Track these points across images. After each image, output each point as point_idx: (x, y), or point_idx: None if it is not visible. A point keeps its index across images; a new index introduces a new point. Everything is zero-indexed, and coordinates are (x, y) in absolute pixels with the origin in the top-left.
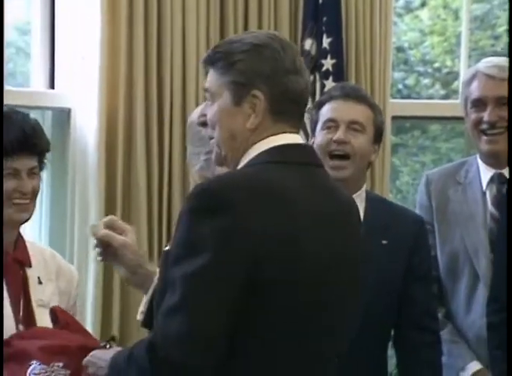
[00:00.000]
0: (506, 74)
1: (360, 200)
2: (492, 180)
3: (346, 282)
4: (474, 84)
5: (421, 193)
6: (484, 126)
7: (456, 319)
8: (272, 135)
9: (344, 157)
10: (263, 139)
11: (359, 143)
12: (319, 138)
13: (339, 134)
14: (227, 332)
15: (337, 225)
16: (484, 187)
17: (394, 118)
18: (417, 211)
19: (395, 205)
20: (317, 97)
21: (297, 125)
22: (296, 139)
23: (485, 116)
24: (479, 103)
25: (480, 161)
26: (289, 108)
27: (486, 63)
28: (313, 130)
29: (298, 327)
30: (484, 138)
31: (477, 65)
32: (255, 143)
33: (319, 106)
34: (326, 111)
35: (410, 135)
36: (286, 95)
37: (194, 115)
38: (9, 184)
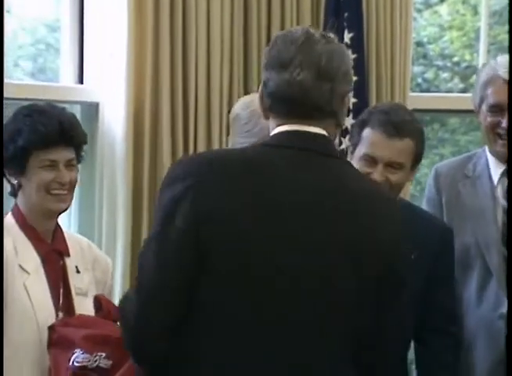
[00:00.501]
0: None
1: None
2: (503, 175)
3: (298, 265)
4: (492, 89)
5: (430, 187)
6: (501, 131)
7: (467, 311)
8: (278, 126)
9: None
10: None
11: (397, 179)
12: (357, 167)
13: (376, 175)
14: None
15: (308, 209)
16: (495, 181)
17: (414, 111)
18: (425, 205)
19: (423, 213)
20: None
21: (289, 117)
22: (292, 127)
23: (503, 122)
24: (497, 109)
25: (489, 155)
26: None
27: (505, 68)
28: (353, 147)
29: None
30: (500, 141)
31: (496, 67)
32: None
33: (361, 126)
34: (366, 141)
35: (430, 128)
36: (264, 92)
37: (239, 107)
38: (47, 175)
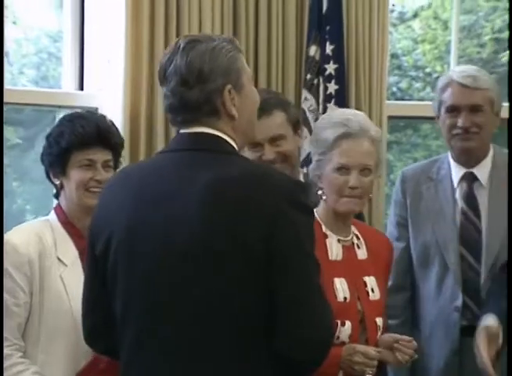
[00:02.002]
0: (478, 84)
1: None
2: (463, 178)
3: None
4: (449, 92)
5: (397, 190)
6: (458, 131)
7: (427, 302)
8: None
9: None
10: None
11: (284, 150)
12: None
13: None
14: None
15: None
16: (456, 184)
17: (389, 118)
18: (392, 207)
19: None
20: (320, 99)
21: (180, 121)
22: (184, 129)
23: (459, 122)
24: (453, 110)
25: (451, 160)
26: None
27: (460, 73)
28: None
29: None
30: (458, 142)
31: (451, 73)
32: None
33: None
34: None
35: (403, 134)
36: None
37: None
38: (86, 174)
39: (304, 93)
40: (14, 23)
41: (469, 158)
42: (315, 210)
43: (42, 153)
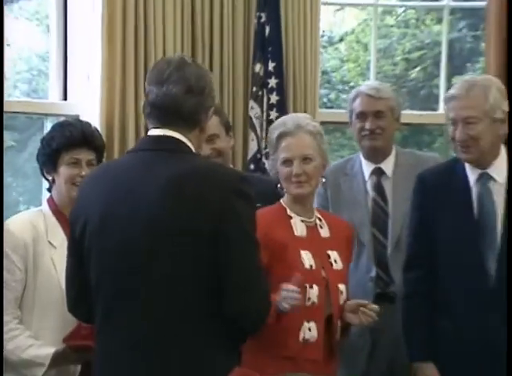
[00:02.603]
0: (380, 94)
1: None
2: (372, 172)
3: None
4: (358, 101)
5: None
6: (366, 132)
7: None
8: (150, 130)
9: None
10: None
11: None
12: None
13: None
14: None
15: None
16: (366, 178)
17: (321, 123)
18: (315, 199)
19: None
20: (264, 108)
21: (162, 122)
22: (153, 132)
23: (366, 125)
24: (362, 116)
25: (362, 158)
26: (148, 111)
27: (366, 86)
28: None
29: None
30: (367, 141)
31: (359, 87)
32: None
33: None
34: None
35: (333, 136)
36: (146, 99)
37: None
38: (73, 170)
39: (251, 103)
40: (8, 45)
41: (376, 155)
42: (281, 199)
43: (37, 154)
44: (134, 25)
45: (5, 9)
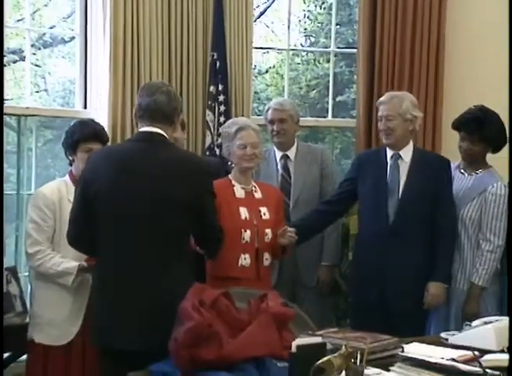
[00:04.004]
0: (283, 107)
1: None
2: (281, 157)
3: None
4: (269, 112)
5: None
6: (274, 132)
7: None
8: (141, 128)
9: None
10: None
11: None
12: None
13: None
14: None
15: (140, 174)
16: (277, 161)
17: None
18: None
19: None
20: (216, 115)
21: (151, 122)
22: (145, 129)
23: (274, 127)
24: (271, 122)
25: (275, 148)
26: (141, 114)
27: (274, 102)
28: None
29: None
30: (275, 138)
31: (270, 103)
32: None
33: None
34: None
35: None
36: (140, 107)
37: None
38: (86, 155)
39: (207, 111)
40: (49, 73)
41: (283, 147)
42: (229, 175)
43: (62, 142)
44: (130, 61)
45: (47, 50)
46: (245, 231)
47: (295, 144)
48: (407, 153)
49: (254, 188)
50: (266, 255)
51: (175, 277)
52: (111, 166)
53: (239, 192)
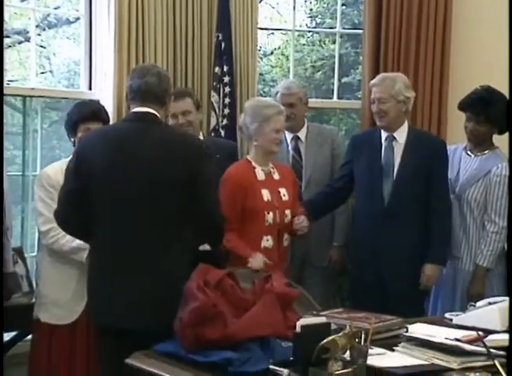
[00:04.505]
0: (291, 91)
1: None
2: (292, 139)
3: (129, 182)
4: (278, 96)
5: None
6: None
7: None
8: (133, 109)
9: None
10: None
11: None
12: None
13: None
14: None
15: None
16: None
17: None
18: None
19: None
20: (221, 96)
21: (143, 102)
22: (137, 109)
23: (285, 112)
24: (284, 105)
25: (286, 131)
26: (133, 96)
27: (282, 85)
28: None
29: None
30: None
31: (278, 86)
32: None
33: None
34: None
35: None
36: (131, 89)
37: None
38: None
39: (212, 93)
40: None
41: (293, 129)
42: (248, 156)
43: (64, 124)
44: (135, 42)
45: (52, 31)
46: (268, 213)
47: (305, 125)
48: (401, 134)
49: (272, 169)
50: (286, 236)
51: (174, 258)
52: (107, 145)
53: (260, 174)
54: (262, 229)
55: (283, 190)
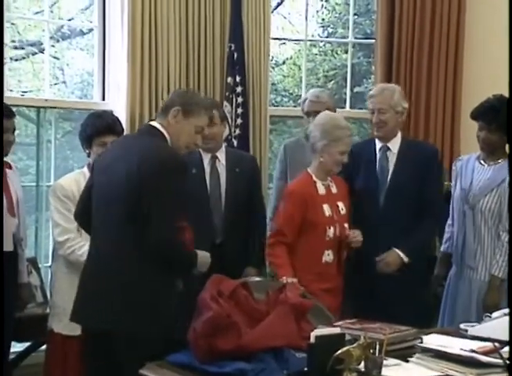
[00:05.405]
0: (320, 99)
1: None
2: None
3: (111, 194)
4: (306, 104)
5: (281, 155)
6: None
7: None
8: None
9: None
10: None
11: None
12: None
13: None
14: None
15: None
16: None
17: (270, 117)
18: (277, 165)
19: None
20: (233, 106)
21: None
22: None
23: (311, 120)
24: (308, 114)
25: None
26: None
27: (311, 93)
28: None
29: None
30: None
31: (307, 94)
32: None
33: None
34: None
35: (278, 125)
36: None
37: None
38: (101, 149)
39: (225, 103)
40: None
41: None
42: (309, 169)
43: (78, 135)
44: (148, 52)
45: (66, 42)
46: (329, 228)
47: None
48: (395, 145)
49: (330, 183)
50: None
51: (128, 263)
52: (108, 158)
53: (321, 188)
54: (324, 244)
55: (340, 204)
